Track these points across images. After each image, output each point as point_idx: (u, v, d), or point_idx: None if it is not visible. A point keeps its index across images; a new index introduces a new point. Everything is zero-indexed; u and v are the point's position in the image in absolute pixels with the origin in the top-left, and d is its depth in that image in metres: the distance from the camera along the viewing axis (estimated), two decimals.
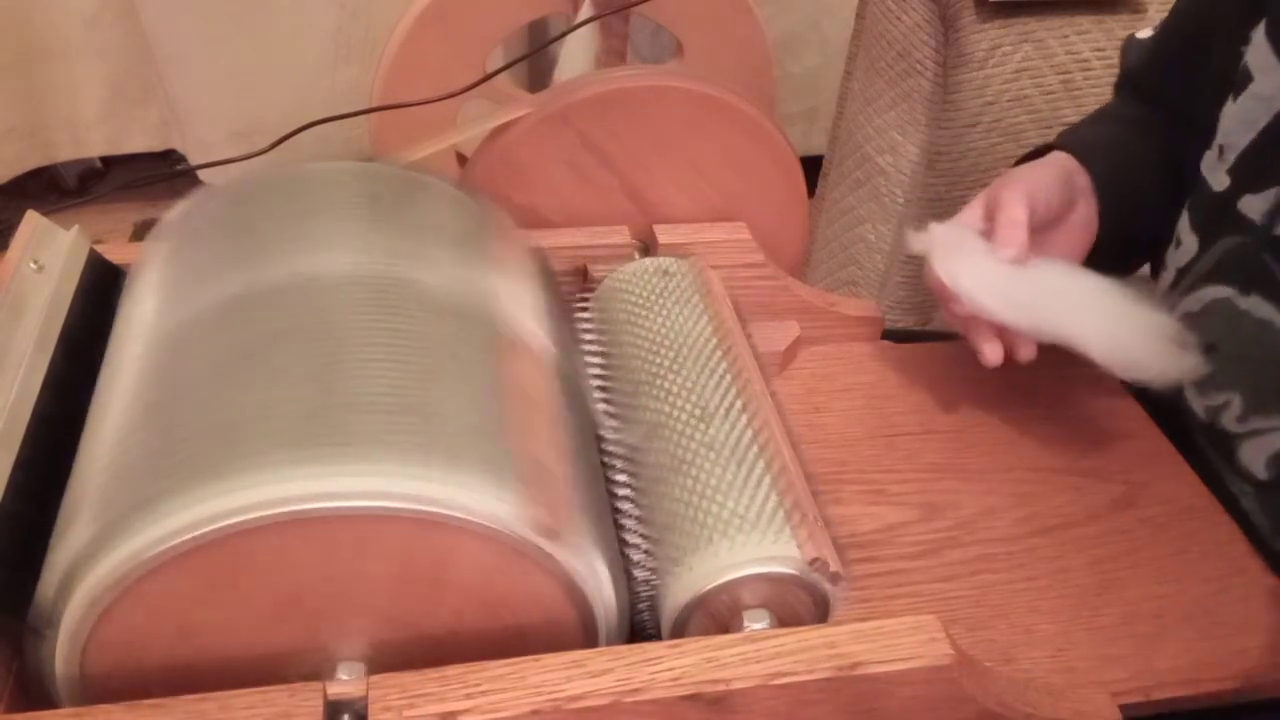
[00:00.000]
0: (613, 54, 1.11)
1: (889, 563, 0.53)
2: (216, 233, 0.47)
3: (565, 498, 0.40)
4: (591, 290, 0.59)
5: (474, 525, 0.36)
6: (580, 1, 1.07)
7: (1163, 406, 0.63)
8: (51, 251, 0.48)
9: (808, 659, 0.37)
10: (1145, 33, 0.71)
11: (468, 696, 0.35)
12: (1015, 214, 0.57)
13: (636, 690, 0.36)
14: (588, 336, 0.55)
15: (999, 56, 1.01)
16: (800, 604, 0.42)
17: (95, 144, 1.61)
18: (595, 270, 0.60)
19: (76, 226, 0.50)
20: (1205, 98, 0.60)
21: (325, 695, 0.35)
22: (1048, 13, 1.01)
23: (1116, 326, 0.56)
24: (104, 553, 0.35)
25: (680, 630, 0.42)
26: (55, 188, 1.68)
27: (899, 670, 0.38)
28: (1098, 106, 0.74)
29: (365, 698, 0.35)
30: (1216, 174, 0.58)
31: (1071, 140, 0.65)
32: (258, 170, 0.51)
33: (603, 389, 0.52)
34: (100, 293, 0.49)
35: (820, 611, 0.43)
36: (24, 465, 0.40)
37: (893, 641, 0.38)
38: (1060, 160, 0.63)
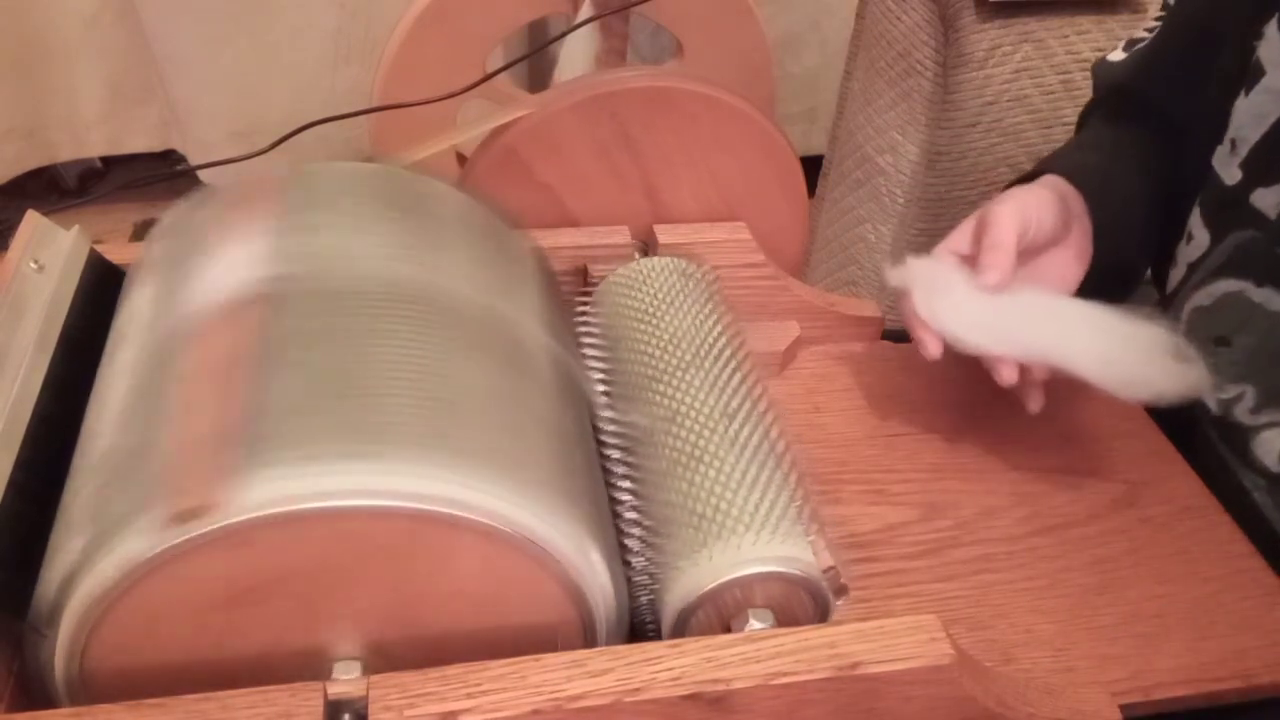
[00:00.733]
0: (613, 54, 1.11)
1: (889, 563, 0.53)
2: (219, 232, 0.47)
3: (564, 496, 0.40)
4: (591, 290, 0.59)
5: (474, 523, 0.36)
6: (580, 1, 1.07)
7: None
8: (51, 251, 0.48)
9: (808, 659, 0.37)
10: (1117, 55, 0.71)
11: (468, 696, 0.35)
12: (1000, 237, 0.56)
13: (637, 690, 0.36)
14: (587, 336, 0.55)
15: (999, 56, 1.01)
16: (800, 604, 0.42)
17: (95, 144, 1.61)
18: (595, 270, 0.60)
19: (76, 226, 0.50)
20: (1212, 95, 0.60)
21: (325, 695, 0.35)
22: (1048, 13, 1.01)
23: (1109, 344, 0.55)
24: (104, 552, 0.35)
25: (680, 630, 0.42)
26: (55, 188, 1.68)
27: (899, 670, 0.38)
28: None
29: (365, 697, 0.35)
30: (1228, 168, 0.58)
31: (1061, 164, 0.65)
32: (259, 170, 0.51)
33: (603, 388, 0.52)
34: (100, 293, 0.49)
35: (820, 612, 0.43)
36: (24, 465, 0.40)
37: (893, 641, 0.38)
38: (1052, 183, 0.62)
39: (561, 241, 0.61)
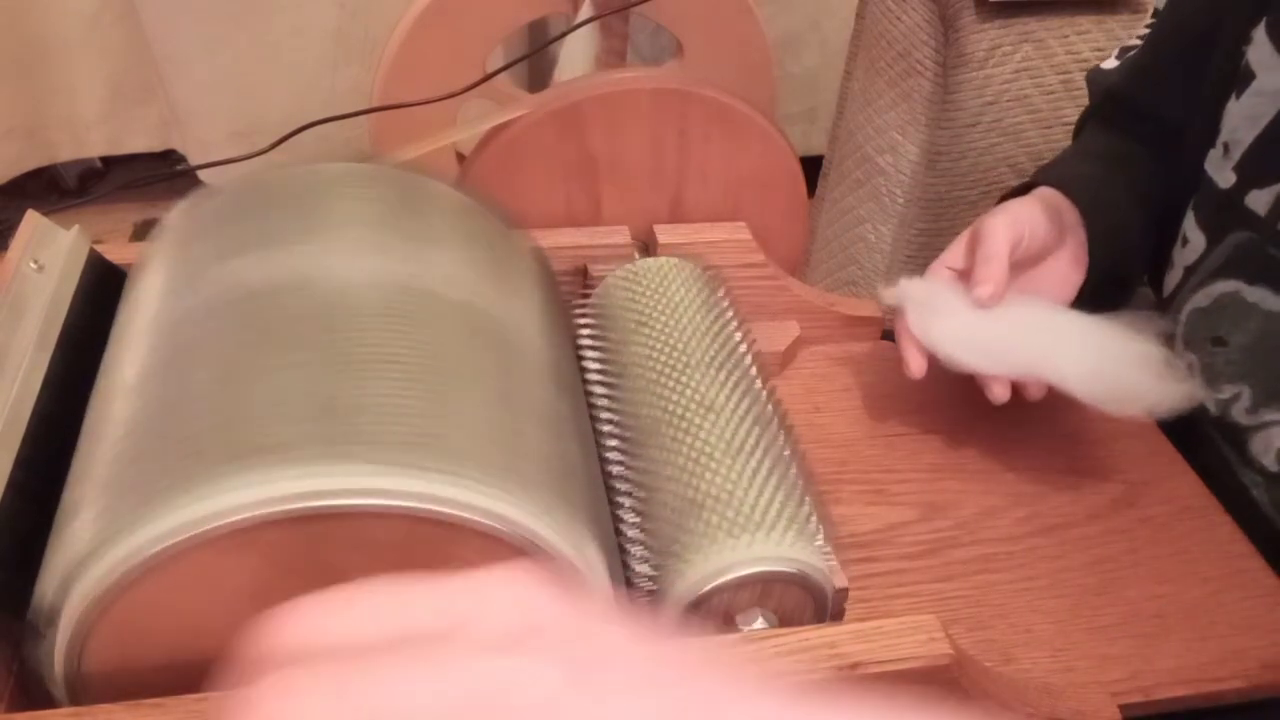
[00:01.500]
0: (613, 54, 1.11)
1: (889, 563, 0.53)
2: (219, 232, 0.47)
3: (562, 495, 0.40)
4: (591, 290, 0.59)
5: (474, 523, 0.36)
6: (580, 1, 1.07)
7: None
8: (51, 251, 0.48)
9: (808, 659, 0.37)
10: (1110, 63, 0.71)
11: None
12: (993, 250, 0.57)
13: None
14: (587, 336, 0.55)
15: (999, 56, 1.01)
16: (800, 604, 0.42)
17: (95, 144, 1.61)
18: (595, 270, 0.60)
19: (76, 226, 0.50)
20: (1206, 99, 0.60)
21: None
22: (1048, 13, 1.02)
23: (1098, 361, 0.55)
24: (104, 551, 0.35)
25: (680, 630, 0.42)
26: (55, 188, 1.68)
27: (899, 670, 0.38)
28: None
29: None
30: (1222, 171, 0.58)
31: (1055, 175, 0.65)
32: (260, 170, 0.51)
33: (602, 388, 0.52)
34: (100, 293, 0.49)
35: (820, 612, 0.43)
36: (24, 465, 0.40)
37: (892, 641, 0.38)
38: (1046, 195, 0.63)
39: (561, 241, 0.61)
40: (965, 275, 0.58)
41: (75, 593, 0.35)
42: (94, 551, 0.35)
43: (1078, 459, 0.61)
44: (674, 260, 0.59)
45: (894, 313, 0.60)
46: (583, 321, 0.56)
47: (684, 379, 0.49)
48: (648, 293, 0.55)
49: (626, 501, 0.46)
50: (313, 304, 0.42)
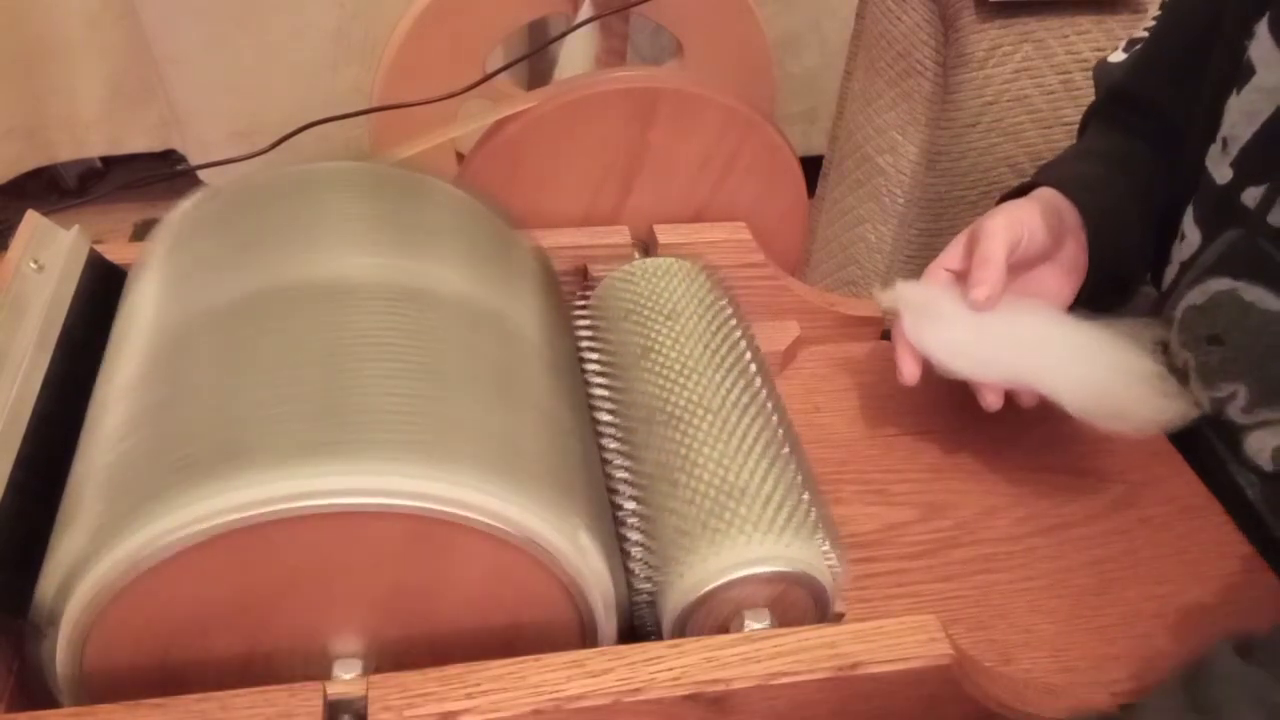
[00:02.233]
0: (613, 54, 1.11)
1: (889, 563, 0.53)
2: (219, 232, 0.47)
3: (562, 495, 0.40)
4: (591, 290, 0.59)
5: (474, 523, 0.36)
6: (580, 1, 1.07)
7: None
8: (51, 251, 0.48)
9: (808, 659, 0.37)
10: (1117, 56, 0.71)
11: (468, 696, 0.35)
12: (991, 251, 0.57)
13: (637, 690, 0.36)
14: (587, 336, 0.55)
15: (999, 56, 1.01)
16: (800, 604, 0.42)
17: (95, 144, 1.61)
18: (595, 270, 0.60)
19: (76, 226, 0.50)
20: (1207, 94, 0.60)
21: (325, 695, 0.35)
22: (1048, 13, 1.01)
23: (1092, 377, 0.55)
24: (104, 551, 0.35)
25: (681, 630, 0.42)
26: (55, 188, 1.68)
27: (899, 670, 0.38)
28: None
29: (365, 697, 0.35)
30: (1220, 167, 0.58)
31: (1055, 176, 0.65)
32: (260, 170, 0.51)
33: (602, 388, 0.52)
34: (100, 293, 0.49)
35: (820, 612, 0.43)
36: (24, 465, 0.40)
37: (892, 641, 0.38)
38: (1046, 196, 0.62)
39: (561, 241, 0.61)
40: (963, 277, 0.58)
41: (76, 593, 0.35)
42: (95, 552, 0.35)
43: (1077, 459, 0.61)
44: (674, 260, 0.59)
45: (890, 316, 0.60)
46: (583, 321, 0.56)
47: (685, 379, 0.49)
48: (648, 292, 0.55)
49: (627, 501, 0.46)
50: (312, 304, 0.42)
